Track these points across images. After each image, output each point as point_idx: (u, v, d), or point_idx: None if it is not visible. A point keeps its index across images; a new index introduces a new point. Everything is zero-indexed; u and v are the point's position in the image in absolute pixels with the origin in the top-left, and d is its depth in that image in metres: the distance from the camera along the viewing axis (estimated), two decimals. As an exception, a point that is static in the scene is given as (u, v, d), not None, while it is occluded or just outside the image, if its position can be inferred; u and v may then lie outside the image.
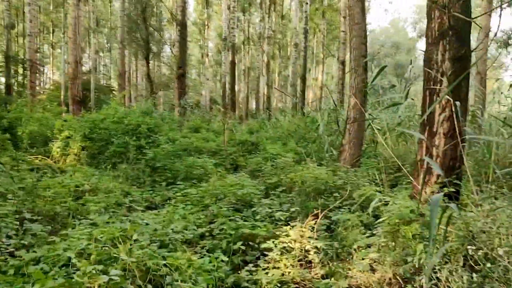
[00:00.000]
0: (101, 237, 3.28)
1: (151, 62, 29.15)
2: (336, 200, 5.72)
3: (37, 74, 33.51)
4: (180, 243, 3.91)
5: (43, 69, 50.10)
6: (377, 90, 11.10)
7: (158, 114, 12.29)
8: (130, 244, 3.11)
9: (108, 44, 48.15)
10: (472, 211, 3.61)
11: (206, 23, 44.91)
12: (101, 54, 49.10)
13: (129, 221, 4.65)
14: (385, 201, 4.25)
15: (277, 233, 3.96)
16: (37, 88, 32.60)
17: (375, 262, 3.43)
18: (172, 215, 4.83)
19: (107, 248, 2.94)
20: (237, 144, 10.43)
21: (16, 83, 44.21)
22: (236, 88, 45.48)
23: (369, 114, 8.27)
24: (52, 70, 54.29)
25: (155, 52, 24.00)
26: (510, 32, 21.98)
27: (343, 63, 18.53)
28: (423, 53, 4.56)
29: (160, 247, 3.78)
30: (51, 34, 46.60)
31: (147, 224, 4.37)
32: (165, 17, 28.34)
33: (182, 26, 16.49)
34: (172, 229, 4.34)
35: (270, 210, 5.05)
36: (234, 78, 22.96)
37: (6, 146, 8.34)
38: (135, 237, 3.21)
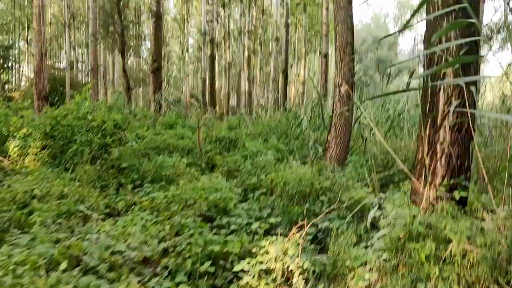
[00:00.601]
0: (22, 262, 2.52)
1: (129, 57, 28.09)
2: (323, 204, 5.05)
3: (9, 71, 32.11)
4: (134, 264, 3.18)
5: (18, 66, 48.29)
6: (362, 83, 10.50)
7: (128, 109, 11.43)
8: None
9: (86, 40, 46.68)
10: (484, 218, 2.99)
11: (186, 18, 43.86)
12: (78, 50, 47.56)
13: (77, 235, 3.89)
14: (381, 206, 3.60)
15: (254, 249, 3.25)
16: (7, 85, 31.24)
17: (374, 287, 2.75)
18: (132, 226, 4.08)
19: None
20: (214, 141, 9.68)
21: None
22: (217, 84, 44.59)
23: (357, 107, 7.63)
24: (28, 66, 52.45)
25: (132, 47, 22.97)
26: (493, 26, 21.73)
27: (325, 56, 17.94)
28: (424, 33, 3.90)
29: (108, 270, 3.05)
30: (26, 30, 44.88)
31: (97, 238, 3.62)
32: (144, 11, 27.32)
33: (157, 17, 15.63)
34: (128, 244, 3.61)
35: (246, 221, 4.33)
36: (213, 73, 22.16)
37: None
38: (64, 266, 2.45)
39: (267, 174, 7.13)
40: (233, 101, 44.99)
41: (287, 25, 22.09)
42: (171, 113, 13.42)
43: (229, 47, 38.82)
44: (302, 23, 31.35)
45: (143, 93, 36.03)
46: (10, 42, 46.77)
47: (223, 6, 39.04)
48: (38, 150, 8.21)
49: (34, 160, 8.07)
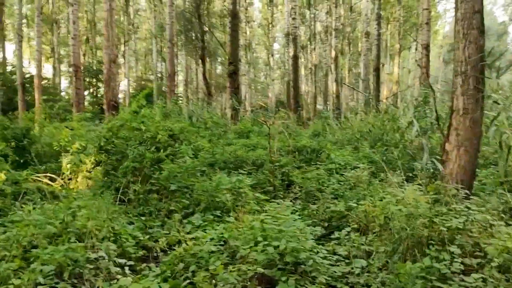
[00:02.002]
0: None
1: (210, 62, 27.61)
2: (455, 259, 3.12)
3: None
4: None
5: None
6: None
7: (196, 117, 10.23)
8: None
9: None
10: None
11: (271, 22, 42.90)
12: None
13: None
14: None
15: None
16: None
17: None
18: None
19: None
20: (293, 152, 8.01)
21: (89, 94, 45.31)
22: (303, 88, 42.89)
23: (494, 102, 5.44)
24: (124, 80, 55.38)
25: (212, 52, 22.28)
26: None
27: (426, 47, 15.33)
28: None
29: None
30: (123, 45, 47.37)
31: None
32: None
33: (234, 17, 14.42)
34: None
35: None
36: (297, 75, 20.51)
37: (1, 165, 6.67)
38: None
39: (359, 199, 5.29)
40: (320, 105, 42.94)
41: (378, 17, 19.71)
42: (247, 119, 12.03)
43: (314, 49, 36.96)
44: (396, 16, 28.44)
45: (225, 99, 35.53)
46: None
47: (309, 6, 37.35)
48: (92, 166, 7.24)
49: (86, 178, 7.10)
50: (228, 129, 10.64)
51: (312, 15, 37.96)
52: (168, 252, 4.23)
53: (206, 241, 3.66)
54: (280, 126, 8.41)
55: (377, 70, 19.84)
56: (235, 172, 6.58)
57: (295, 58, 20.08)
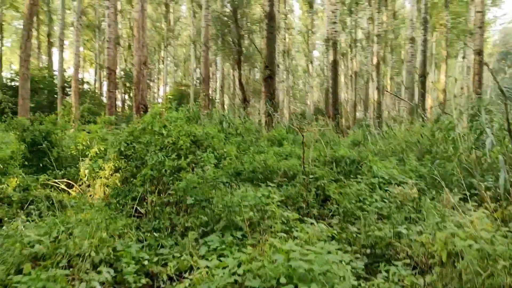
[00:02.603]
0: None
1: (246, 67, 27.10)
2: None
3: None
4: None
5: (152, 85, 51.84)
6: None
7: (227, 121, 9.56)
8: None
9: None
10: None
11: (310, 29, 42.10)
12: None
13: None
14: None
15: None
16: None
17: None
18: None
19: None
20: (330, 163, 7.17)
21: (129, 99, 46.02)
22: (342, 95, 41.67)
23: None
24: (163, 85, 56.02)
25: (249, 56, 21.72)
26: None
27: (479, 53, 14.07)
28: None
29: None
30: (161, 51, 47.95)
31: None
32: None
33: (270, 18, 13.76)
34: None
35: None
36: (336, 81, 19.56)
37: (10, 169, 6.24)
38: None
39: (409, 222, 4.43)
40: (360, 113, 41.56)
41: (425, 22, 18.50)
42: (282, 126, 11.26)
43: (355, 56, 35.80)
44: (443, 22, 26.93)
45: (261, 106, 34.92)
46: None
47: (350, 12, 36.31)
48: (111, 173, 6.70)
49: (104, 185, 6.56)
50: (260, 136, 9.92)
51: (353, 22, 36.87)
52: (176, 281, 3.53)
53: (219, 274, 2.93)
54: (317, 134, 7.59)
55: (422, 77, 18.60)
56: (263, 184, 5.84)
57: (335, 63, 19.16)
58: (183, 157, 5.76)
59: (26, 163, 7.33)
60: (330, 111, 19.44)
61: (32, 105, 20.42)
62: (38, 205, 5.12)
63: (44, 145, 7.08)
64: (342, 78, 41.04)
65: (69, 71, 36.94)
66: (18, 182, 5.96)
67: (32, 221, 4.70)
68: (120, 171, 6.63)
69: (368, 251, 4.28)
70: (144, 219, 5.36)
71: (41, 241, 3.52)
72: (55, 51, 27.65)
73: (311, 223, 4.04)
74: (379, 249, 4.24)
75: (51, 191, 6.17)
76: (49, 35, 33.20)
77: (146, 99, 10.85)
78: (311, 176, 6.02)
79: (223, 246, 3.84)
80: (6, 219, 4.74)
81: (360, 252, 4.19)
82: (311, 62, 41.54)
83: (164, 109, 7.04)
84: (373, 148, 9.41)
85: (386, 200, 5.55)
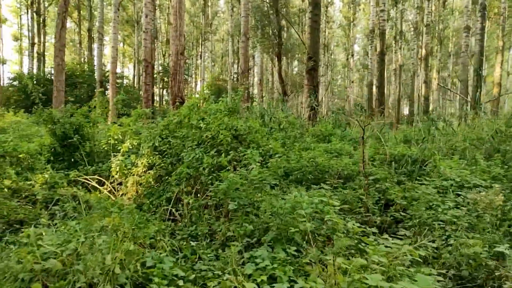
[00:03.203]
0: None
1: (287, 60, 26.25)
2: None
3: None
4: None
5: (191, 79, 51.91)
6: None
7: (269, 115, 8.81)
8: None
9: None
10: None
11: (352, 20, 40.65)
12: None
13: None
14: None
15: None
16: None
17: None
18: None
19: None
20: (388, 163, 6.28)
21: (167, 94, 46.19)
22: (385, 90, 39.99)
23: None
24: (200, 79, 56.01)
25: (288, 49, 20.85)
26: None
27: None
28: None
29: None
30: (200, 46, 47.83)
31: None
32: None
33: (315, 6, 12.86)
34: None
35: None
36: (383, 73, 18.41)
37: (37, 164, 5.76)
38: None
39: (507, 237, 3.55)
40: (403, 109, 39.77)
41: (483, 9, 17.00)
42: (327, 121, 10.40)
43: (400, 48, 34.15)
44: (500, 10, 24.99)
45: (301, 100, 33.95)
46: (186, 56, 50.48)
47: (395, 3, 34.64)
48: (144, 169, 6.12)
49: (137, 183, 5.99)
50: (305, 131, 9.11)
51: (398, 13, 35.18)
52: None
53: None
54: (375, 129, 6.73)
55: (479, 70, 17.14)
56: (315, 186, 5.07)
57: (382, 54, 18.02)
58: (223, 154, 5.07)
59: (57, 157, 6.90)
60: (375, 106, 18.34)
61: (72, 99, 20.48)
62: (63, 206, 4.58)
63: (75, 139, 6.59)
64: (384, 72, 39.40)
65: (109, 66, 37.35)
66: (45, 179, 5.46)
67: (54, 225, 4.16)
68: (154, 168, 6.04)
69: (452, 272, 3.45)
70: (179, 224, 4.73)
71: (57, 253, 2.91)
72: (96, 46, 27.79)
73: (384, 239, 3.24)
74: (465, 269, 3.41)
75: (79, 188, 5.65)
76: (89, 30, 33.57)
77: (184, 92, 10.28)
78: (370, 178, 5.18)
79: (274, 265, 3.10)
80: (27, 220, 4.22)
81: (443, 274, 3.36)
82: (352, 56, 40.11)
83: (201, 101, 6.40)
84: (431, 146, 8.41)
85: (462, 208, 4.66)
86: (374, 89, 19.55)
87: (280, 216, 3.55)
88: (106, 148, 6.30)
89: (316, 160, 6.05)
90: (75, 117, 6.80)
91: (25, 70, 36.15)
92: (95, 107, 7.25)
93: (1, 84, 26.32)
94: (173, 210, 5.11)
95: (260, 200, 3.97)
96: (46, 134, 6.82)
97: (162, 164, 5.97)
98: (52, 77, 27.68)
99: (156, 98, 41.43)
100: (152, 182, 5.91)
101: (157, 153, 6.13)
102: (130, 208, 4.57)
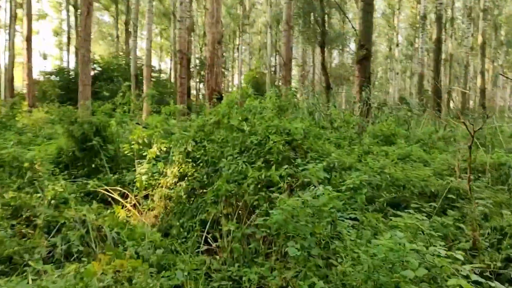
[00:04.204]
0: None
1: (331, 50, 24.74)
2: None
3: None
4: None
5: (228, 73, 51.02)
6: None
7: (319, 111, 7.54)
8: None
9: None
10: None
11: (398, 8, 38.38)
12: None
13: None
14: None
15: None
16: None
17: None
18: None
19: None
20: (481, 172, 4.89)
21: (204, 88, 45.48)
22: (431, 82, 37.55)
23: None
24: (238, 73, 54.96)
25: (332, 39, 19.38)
26: None
27: None
28: None
29: None
30: (237, 38, 46.79)
31: None
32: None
33: (367, -12, 11.40)
34: None
35: None
36: (439, 64, 16.64)
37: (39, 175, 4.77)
38: None
39: None
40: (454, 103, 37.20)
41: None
42: (388, 118, 8.94)
43: (451, 36, 31.77)
44: None
45: (345, 94, 32.25)
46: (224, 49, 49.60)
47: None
48: (174, 180, 5.04)
49: (165, 197, 4.91)
50: (362, 130, 7.78)
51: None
52: None
53: None
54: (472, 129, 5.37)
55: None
56: (396, 210, 3.79)
57: (438, 42, 16.26)
58: (274, 166, 3.88)
59: (76, 163, 5.94)
60: (430, 99, 16.65)
61: (107, 94, 19.84)
62: (67, 233, 3.53)
63: (94, 142, 5.58)
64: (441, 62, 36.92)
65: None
66: (55, 192, 4.46)
67: (52, 263, 3.13)
68: (186, 179, 4.95)
69: None
70: (217, 259, 3.59)
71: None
72: (131, 39, 27.23)
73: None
74: None
75: (99, 201, 4.64)
76: (126, 23, 33.16)
77: (221, 85, 9.17)
78: (476, 203, 3.83)
79: None
80: (16, 257, 3.20)
81: None
82: (397, 45, 37.92)
83: (242, 96, 5.22)
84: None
85: None
86: (432, 80, 17.73)
87: (369, 273, 2.32)
88: (128, 153, 5.25)
89: (386, 170, 4.75)
90: (96, 116, 5.80)
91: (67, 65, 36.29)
92: (120, 104, 6.21)
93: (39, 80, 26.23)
94: (209, 237, 3.99)
95: (336, 247, 2.74)
96: (62, 136, 5.86)
97: (196, 175, 4.86)
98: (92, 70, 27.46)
99: (193, 92, 40.79)
100: (184, 197, 4.81)
101: (190, 160, 5.03)
102: (154, 238, 3.47)
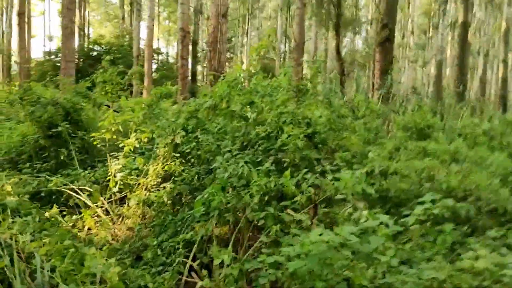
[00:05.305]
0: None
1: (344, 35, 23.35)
2: None
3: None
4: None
5: (236, 57, 49.65)
6: None
7: (338, 97, 6.36)
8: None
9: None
10: None
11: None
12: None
13: None
14: None
15: None
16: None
17: None
18: None
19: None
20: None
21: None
22: (447, 73, 35.96)
23: None
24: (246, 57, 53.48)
25: (347, 21, 18.00)
26: None
27: None
28: None
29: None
30: (246, 24, 45.27)
31: None
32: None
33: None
34: None
35: None
36: (465, 50, 15.25)
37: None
38: None
39: None
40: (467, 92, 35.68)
41: None
42: (416, 106, 7.68)
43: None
44: None
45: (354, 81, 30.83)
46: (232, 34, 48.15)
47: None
48: (157, 181, 3.90)
49: (144, 203, 3.78)
50: (388, 121, 6.58)
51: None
52: None
53: None
54: None
55: None
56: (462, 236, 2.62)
57: (465, 26, 14.86)
58: (288, 169, 2.72)
59: (41, 154, 4.82)
60: (452, 88, 15.34)
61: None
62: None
63: (61, 127, 4.43)
64: (448, 51, 35.43)
65: (154, 44, 35.44)
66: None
67: None
68: (172, 180, 3.80)
69: None
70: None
71: None
72: (134, 18, 25.89)
73: None
74: None
75: (51, 205, 3.53)
76: (132, 3, 31.86)
77: (225, 67, 7.98)
78: None
79: None
80: None
81: None
82: (412, 33, 36.30)
83: (247, 74, 4.01)
84: None
85: None
86: (455, 67, 16.32)
87: None
88: (96, 144, 4.10)
89: (435, 176, 3.56)
90: (65, 97, 4.64)
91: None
92: (100, 82, 5.02)
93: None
94: (195, 266, 2.86)
95: None
96: (25, 120, 4.74)
97: (184, 175, 3.70)
98: (90, 53, 26.25)
99: (199, 77, 39.53)
100: (168, 204, 3.68)
101: (178, 155, 3.89)
102: (111, 278, 2.34)
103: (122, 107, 4.50)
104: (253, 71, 3.74)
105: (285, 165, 2.84)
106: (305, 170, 2.74)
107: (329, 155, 2.94)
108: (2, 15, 26.35)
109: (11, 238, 2.56)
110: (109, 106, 4.45)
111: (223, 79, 3.75)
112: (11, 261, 2.42)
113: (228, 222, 2.88)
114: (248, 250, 2.73)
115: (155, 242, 3.17)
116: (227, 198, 2.83)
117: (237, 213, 2.82)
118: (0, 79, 20.71)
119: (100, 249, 3.23)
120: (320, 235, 1.80)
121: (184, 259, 2.90)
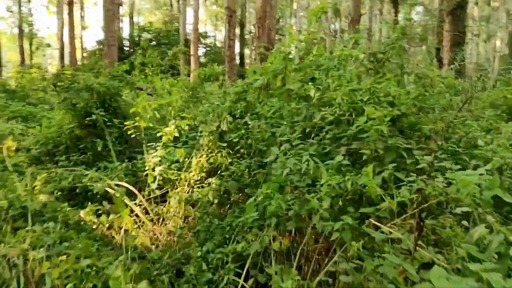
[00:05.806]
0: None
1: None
2: None
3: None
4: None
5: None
6: None
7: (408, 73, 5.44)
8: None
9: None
10: None
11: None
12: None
13: None
14: None
15: None
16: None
17: None
18: None
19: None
20: None
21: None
22: (498, 43, 32.98)
23: None
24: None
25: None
26: None
27: None
28: None
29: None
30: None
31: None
32: None
33: None
34: None
35: None
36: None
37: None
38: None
39: None
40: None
41: None
42: (498, 82, 6.58)
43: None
44: None
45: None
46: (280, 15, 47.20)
47: None
48: (201, 175, 3.33)
49: (186, 202, 3.21)
50: (470, 98, 5.60)
51: None
52: None
53: None
54: None
55: None
56: None
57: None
58: (370, 163, 2.02)
59: (78, 144, 4.40)
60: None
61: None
62: None
63: (95, 116, 3.96)
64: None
65: (201, 29, 35.06)
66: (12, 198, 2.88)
67: None
68: (218, 174, 3.21)
69: None
70: None
71: None
72: (181, 2, 25.57)
73: None
74: None
75: (86, 203, 3.05)
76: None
77: (275, 45, 7.24)
78: None
79: None
80: None
81: None
82: (477, 3, 33.49)
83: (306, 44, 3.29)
84: None
85: None
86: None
87: None
88: (130, 133, 3.57)
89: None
90: (100, 81, 4.16)
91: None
92: (139, 64, 4.48)
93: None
94: (248, 287, 2.25)
95: None
96: (60, 108, 4.31)
97: (233, 169, 3.09)
98: (138, 40, 26.33)
99: (247, 61, 39.00)
100: (214, 203, 3.09)
101: (224, 145, 3.28)
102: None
103: (156, 90, 3.94)
104: (313, 40, 3.02)
105: (363, 158, 2.13)
106: (393, 164, 2.02)
107: (424, 144, 2.20)
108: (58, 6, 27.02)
109: (22, 255, 2.06)
110: (141, 89, 3.90)
111: (276, 51, 3.06)
112: (18, 282, 1.92)
113: (290, 233, 2.23)
114: (316, 270, 2.07)
115: (199, 253, 2.59)
116: (287, 202, 2.17)
117: (301, 222, 2.16)
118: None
119: (140, 258, 2.73)
120: (447, 279, 1.10)
121: (235, 278, 2.30)
